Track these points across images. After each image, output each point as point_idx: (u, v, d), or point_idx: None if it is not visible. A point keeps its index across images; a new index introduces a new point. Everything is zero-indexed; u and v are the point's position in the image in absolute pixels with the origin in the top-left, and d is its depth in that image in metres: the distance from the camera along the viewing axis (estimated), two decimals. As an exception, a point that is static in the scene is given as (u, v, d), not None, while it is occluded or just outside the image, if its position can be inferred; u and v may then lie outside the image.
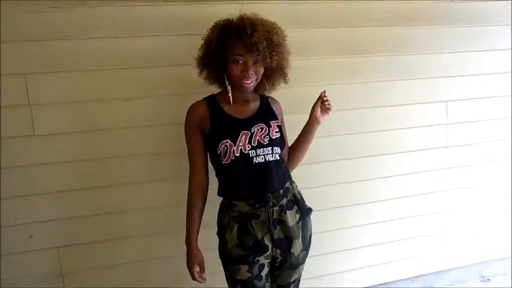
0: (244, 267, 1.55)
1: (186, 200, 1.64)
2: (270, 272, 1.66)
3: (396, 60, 2.24)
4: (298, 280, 1.73)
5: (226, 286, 1.69)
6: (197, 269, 1.61)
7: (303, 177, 2.10)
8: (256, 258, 1.56)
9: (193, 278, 1.62)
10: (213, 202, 1.70)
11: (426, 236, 2.51)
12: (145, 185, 1.97)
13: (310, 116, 1.71)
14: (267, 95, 1.75)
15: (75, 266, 1.98)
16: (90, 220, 1.96)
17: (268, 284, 1.63)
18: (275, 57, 1.50)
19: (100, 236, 1.99)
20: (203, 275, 1.64)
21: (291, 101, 1.90)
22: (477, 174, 2.52)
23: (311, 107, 1.72)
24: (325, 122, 2.14)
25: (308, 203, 2.19)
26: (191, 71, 1.69)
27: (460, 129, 2.42)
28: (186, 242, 1.62)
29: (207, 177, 1.65)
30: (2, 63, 1.74)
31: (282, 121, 1.75)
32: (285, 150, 1.73)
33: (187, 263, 1.63)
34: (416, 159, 2.37)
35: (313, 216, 2.22)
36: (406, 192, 2.40)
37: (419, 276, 2.57)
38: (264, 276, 1.59)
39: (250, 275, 1.56)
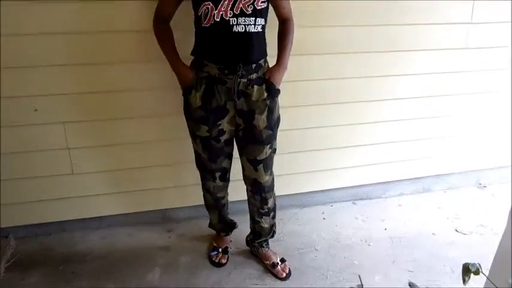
0: (204, 128, 1.66)
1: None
2: (238, 143, 1.77)
3: None
4: (266, 162, 1.76)
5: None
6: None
7: (308, 69, 2.08)
8: (218, 122, 1.65)
9: None
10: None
11: (429, 139, 2.50)
12: (151, 64, 1.89)
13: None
14: None
15: (81, 143, 2.00)
16: (95, 97, 1.93)
17: (228, 148, 1.76)
18: None
19: (104, 114, 1.97)
20: None
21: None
22: (488, 80, 2.43)
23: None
24: (338, 12, 2.03)
25: (316, 98, 2.18)
26: None
27: (483, 30, 2.29)
28: (174, 69, 1.64)
29: (171, 16, 1.64)
30: None
31: None
32: (286, 7, 1.67)
33: (182, 84, 1.66)
34: (431, 58, 2.27)
35: (317, 112, 2.21)
36: (416, 92, 2.34)
37: (419, 178, 2.63)
38: (222, 141, 1.71)
39: (208, 134, 1.67)
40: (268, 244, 2.04)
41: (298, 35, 1.92)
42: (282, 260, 1.99)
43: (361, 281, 0.71)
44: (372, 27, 2.11)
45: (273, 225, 1.98)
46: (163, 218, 2.32)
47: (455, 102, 2.44)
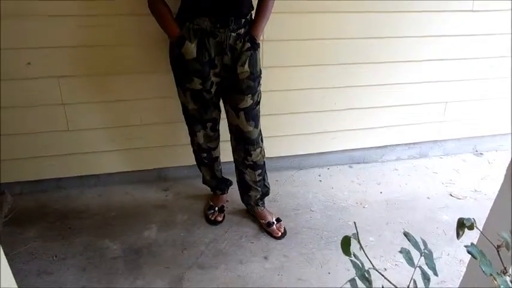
0: (198, 80, 1.68)
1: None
2: (222, 94, 1.80)
3: None
4: (248, 111, 1.77)
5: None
6: None
7: (309, 29, 2.01)
8: (210, 75, 1.68)
9: None
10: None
11: (427, 105, 2.48)
12: (150, 17, 1.82)
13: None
14: None
15: (76, 98, 1.97)
16: (90, 51, 1.88)
17: (216, 99, 1.81)
18: None
19: (99, 69, 1.93)
20: None
21: None
22: (487, 46, 2.38)
23: None
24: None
25: (316, 59, 2.15)
26: None
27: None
28: (171, 35, 1.64)
29: None
30: None
31: None
32: None
33: (171, 38, 1.67)
34: (436, 21, 2.21)
35: (316, 73, 2.17)
36: (413, 56, 2.29)
37: (416, 143, 2.62)
38: (212, 92, 1.74)
39: (201, 87, 1.70)
40: (263, 203, 2.05)
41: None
42: (278, 220, 2.01)
43: (356, 229, 0.71)
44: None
45: (259, 181, 1.96)
46: (160, 177, 2.33)
47: (452, 68, 2.40)
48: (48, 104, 1.94)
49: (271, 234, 1.97)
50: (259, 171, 1.94)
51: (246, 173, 1.94)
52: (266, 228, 1.99)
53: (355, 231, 0.75)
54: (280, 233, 1.96)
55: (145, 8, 1.76)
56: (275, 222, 1.99)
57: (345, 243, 0.74)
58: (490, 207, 1.15)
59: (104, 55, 1.90)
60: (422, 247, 0.81)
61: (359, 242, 0.75)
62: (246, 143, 1.85)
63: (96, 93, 1.98)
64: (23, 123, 1.97)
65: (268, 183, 2.03)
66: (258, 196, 2.00)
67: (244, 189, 2.02)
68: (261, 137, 1.89)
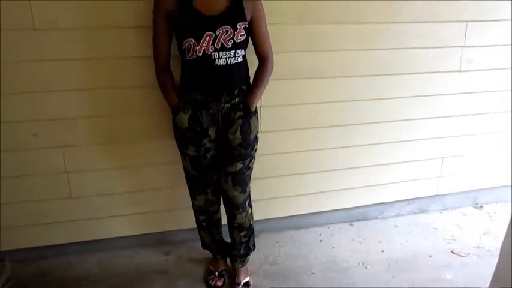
0: (192, 148, 1.75)
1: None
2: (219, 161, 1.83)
3: None
4: (236, 176, 1.80)
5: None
6: None
7: (301, 94, 2.13)
8: (203, 142, 1.74)
9: None
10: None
11: (425, 161, 2.52)
12: (147, 89, 1.92)
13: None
14: None
15: (79, 167, 2.02)
16: (92, 121, 1.96)
17: (213, 163, 1.82)
18: None
19: (101, 138, 2.00)
20: None
21: None
22: (484, 102, 2.46)
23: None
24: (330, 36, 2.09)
25: (310, 122, 2.21)
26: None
27: (479, 53, 2.33)
28: (171, 106, 1.73)
29: (169, 59, 1.73)
30: None
31: (259, 16, 1.70)
32: (263, 46, 1.75)
33: (171, 107, 1.75)
34: (425, 79, 2.31)
35: (312, 135, 2.22)
36: (409, 114, 2.37)
37: (414, 199, 2.64)
38: (209, 157, 1.79)
39: (196, 153, 1.76)
40: (243, 261, 2.03)
41: (292, 59, 1.97)
42: (246, 284, 2.00)
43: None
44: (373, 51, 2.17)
45: (243, 242, 1.97)
46: (161, 241, 2.32)
47: (447, 125, 2.47)
48: (52, 173, 1.99)
49: None
50: (245, 232, 1.95)
51: (233, 233, 1.97)
52: (232, 286, 2.00)
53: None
54: None
55: (144, 80, 1.87)
56: (241, 284, 1.99)
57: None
58: (491, 278, 1.15)
59: (107, 125, 1.98)
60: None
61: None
62: (232, 207, 1.88)
63: (99, 161, 2.03)
64: (25, 192, 2.01)
65: (253, 244, 2.04)
66: (238, 254, 2.01)
67: (230, 244, 2.04)
68: (249, 202, 1.93)
